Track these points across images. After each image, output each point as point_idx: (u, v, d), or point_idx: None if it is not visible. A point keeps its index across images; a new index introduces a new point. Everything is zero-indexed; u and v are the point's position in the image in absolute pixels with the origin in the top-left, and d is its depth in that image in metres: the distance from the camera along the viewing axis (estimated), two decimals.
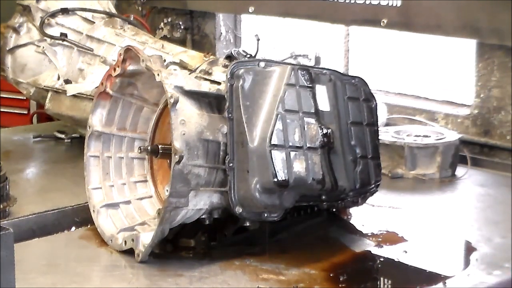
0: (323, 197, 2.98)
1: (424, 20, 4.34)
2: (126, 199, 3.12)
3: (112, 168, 3.16)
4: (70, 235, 3.17)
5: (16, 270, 2.22)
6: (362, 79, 3.16)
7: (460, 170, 3.91)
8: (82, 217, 3.21)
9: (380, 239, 3.12)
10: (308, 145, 2.87)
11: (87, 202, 3.12)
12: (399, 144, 3.88)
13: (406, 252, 3.01)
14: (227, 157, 2.84)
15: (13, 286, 2.21)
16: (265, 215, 2.88)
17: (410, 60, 4.82)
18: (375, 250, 3.04)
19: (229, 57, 3.18)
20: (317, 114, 2.94)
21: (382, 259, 2.98)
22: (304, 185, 2.85)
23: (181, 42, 5.45)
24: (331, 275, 2.81)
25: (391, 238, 3.13)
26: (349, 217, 3.33)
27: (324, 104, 2.98)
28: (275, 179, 2.78)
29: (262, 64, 2.94)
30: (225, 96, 2.88)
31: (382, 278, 2.93)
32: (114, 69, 3.09)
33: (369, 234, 3.17)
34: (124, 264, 2.88)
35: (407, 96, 4.74)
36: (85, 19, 4.25)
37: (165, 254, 2.92)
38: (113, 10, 4.40)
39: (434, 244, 3.14)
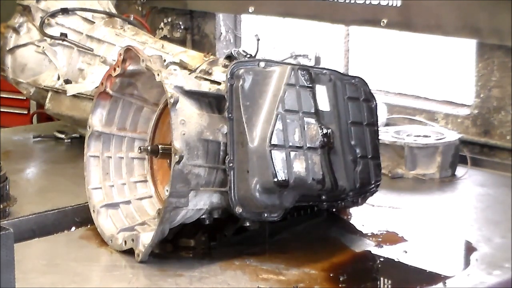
0: (323, 197, 2.98)
1: (424, 20, 4.34)
2: (126, 199, 3.12)
3: (112, 168, 3.16)
4: (70, 235, 3.17)
5: (16, 270, 2.22)
6: (362, 79, 3.16)
7: (460, 170, 3.91)
8: (82, 217, 3.21)
9: (380, 239, 3.12)
10: (308, 145, 2.87)
11: (87, 202, 3.12)
12: (399, 144, 3.88)
13: (406, 252, 3.01)
14: (227, 157, 2.84)
15: (13, 286, 2.21)
16: (265, 215, 2.88)
17: (410, 60, 4.82)
18: (375, 250, 3.04)
19: (229, 57, 3.18)
20: (317, 114, 2.94)
21: (382, 259, 2.98)
22: (304, 185, 2.85)
23: (181, 42, 5.45)
24: (331, 275, 2.81)
25: (391, 238, 3.13)
26: (349, 217, 3.33)
27: (324, 104, 2.98)
28: (275, 179, 2.78)
29: (262, 64, 2.94)
30: (225, 96, 2.88)
31: (382, 278, 2.93)
32: (114, 69, 3.09)
33: (369, 234, 3.17)
34: (124, 264, 2.88)
35: (407, 96, 4.74)
36: (85, 19, 4.25)
37: (165, 254, 2.92)
38: (113, 10, 4.40)
39: (434, 244, 3.14)
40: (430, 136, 3.98)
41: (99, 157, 3.16)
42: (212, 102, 2.92)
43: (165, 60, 3.15)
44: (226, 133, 2.85)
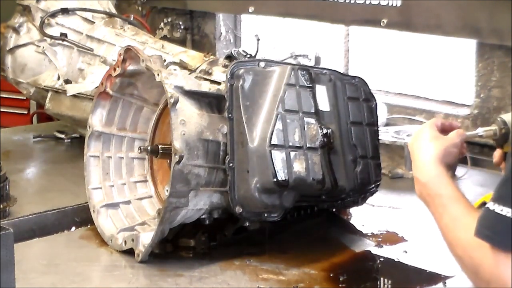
0: (323, 197, 2.98)
1: (424, 20, 4.33)
2: (126, 199, 3.12)
3: (112, 168, 3.16)
4: (70, 235, 3.17)
5: (16, 270, 2.22)
6: (362, 79, 3.16)
7: (460, 170, 3.90)
8: (82, 217, 3.21)
9: (380, 239, 3.12)
10: (308, 145, 2.87)
11: (87, 202, 3.12)
12: (399, 144, 3.88)
13: (406, 252, 3.01)
14: (227, 157, 2.84)
15: (13, 286, 2.21)
16: (265, 215, 2.88)
17: (410, 60, 4.81)
18: (375, 250, 3.04)
19: (229, 57, 3.18)
20: (317, 114, 2.94)
21: (382, 259, 2.98)
22: (304, 185, 2.85)
23: (181, 42, 5.45)
24: (331, 275, 2.82)
25: (391, 238, 3.13)
26: (349, 217, 3.33)
27: (324, 104, 2.98)
28: (275, 179, 2.78)
29: (262, 64, 2.94)
30: (225, 96, 2.88)
31: (382, 278, 2.93)
32: (114, 69, 3.09)
33: (369, 234, 3.17)
34: (124, 264, 2.88)
35: (407, 96, 4.73)
36: (85, 19, 4.25)
37: (165, 254, 2.92)
38: (113, 10, 4.40)
39: (434, 244, 3.13)
40: None
41: (99, 157, 3.16)
42: (212, 102, 2.92)
43: (165, 60, 3.15)
44: (226, 133, 2.85)
